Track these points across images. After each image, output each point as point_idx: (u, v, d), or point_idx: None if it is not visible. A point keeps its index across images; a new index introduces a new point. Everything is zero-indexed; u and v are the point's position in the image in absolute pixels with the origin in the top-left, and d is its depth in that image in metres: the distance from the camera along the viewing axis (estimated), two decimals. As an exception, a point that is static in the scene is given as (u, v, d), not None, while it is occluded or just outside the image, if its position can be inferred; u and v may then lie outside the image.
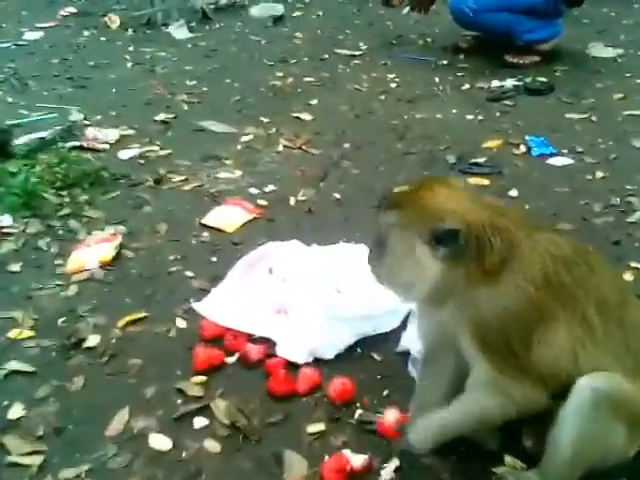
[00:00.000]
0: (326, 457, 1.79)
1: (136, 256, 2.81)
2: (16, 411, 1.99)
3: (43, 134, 3.92)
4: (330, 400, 1.98)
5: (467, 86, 4.75)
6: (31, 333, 2.35)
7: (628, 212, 3.03)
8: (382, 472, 1.75)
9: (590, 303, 1.55)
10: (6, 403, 2.03)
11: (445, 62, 5.17)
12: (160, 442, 1.88)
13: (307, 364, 2.12)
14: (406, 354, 2.15)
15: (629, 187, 3.25)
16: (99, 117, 4.38)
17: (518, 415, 1.60)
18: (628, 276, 2.56)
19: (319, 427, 1.89)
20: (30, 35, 6.17)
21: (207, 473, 1.78)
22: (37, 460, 1.84)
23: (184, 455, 1.84)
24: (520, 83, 4.69)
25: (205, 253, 2.81)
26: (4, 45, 5.88)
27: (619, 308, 1.61)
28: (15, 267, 2.75)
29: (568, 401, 1.54)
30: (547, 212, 3.06)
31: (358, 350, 2.21)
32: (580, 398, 1.53)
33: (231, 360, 2.17)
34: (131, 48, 5.81)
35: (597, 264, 1.63)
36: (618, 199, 3.14)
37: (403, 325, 2.28)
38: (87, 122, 4.27)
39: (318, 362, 2.14)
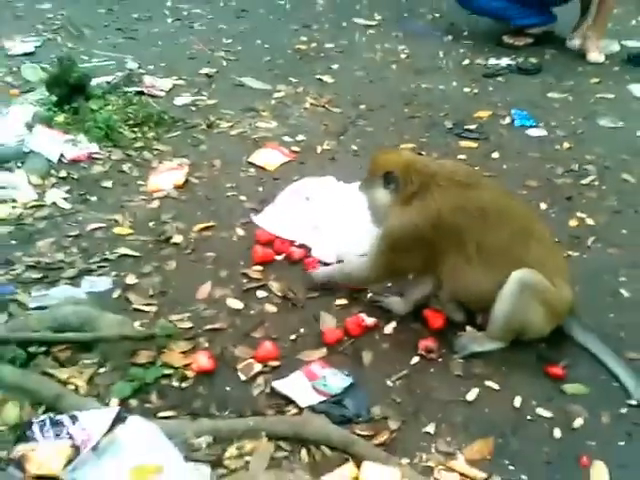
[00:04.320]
0: (348, 318, 2.66)
1: (200, 183, 3.52)
2: (131, 279, 2.79)
3: (109, 78, 4.52)
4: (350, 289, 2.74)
5: (467, 62, 5.35)
6: (130, 231, 3.14)
7: (583, 176, 3.77)
8: (385, 328, 2.63)
9: (472, 244, 2.32)
10: (123, 274, 2.86)
11: (450, 38, 5.78)
12: (235, 304, 2.62)
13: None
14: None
15: (588, 157, 3.98)
16: (151, 67, 4.93)
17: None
18: (573, 222, 3.38)
19: (344, 301, 2.65)
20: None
21: (268, 324, 2.64)
22: (152, 309, 2.68)
23: (252, 312, 2.60)
24: (513, 62, 5.28)
25: (253, 184, 3.46)
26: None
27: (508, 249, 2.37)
28: (107, 184, 3.50)
29: (504, 287, 2.37)
30: (520, 172, 3.82)
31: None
32: (512, 284, 2.30)
33: (279, 258, 2.89)
34: (169, 3, 6.34)
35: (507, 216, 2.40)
36: (577, 165, 3.87)
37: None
38: (142, 71, 4.84)
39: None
